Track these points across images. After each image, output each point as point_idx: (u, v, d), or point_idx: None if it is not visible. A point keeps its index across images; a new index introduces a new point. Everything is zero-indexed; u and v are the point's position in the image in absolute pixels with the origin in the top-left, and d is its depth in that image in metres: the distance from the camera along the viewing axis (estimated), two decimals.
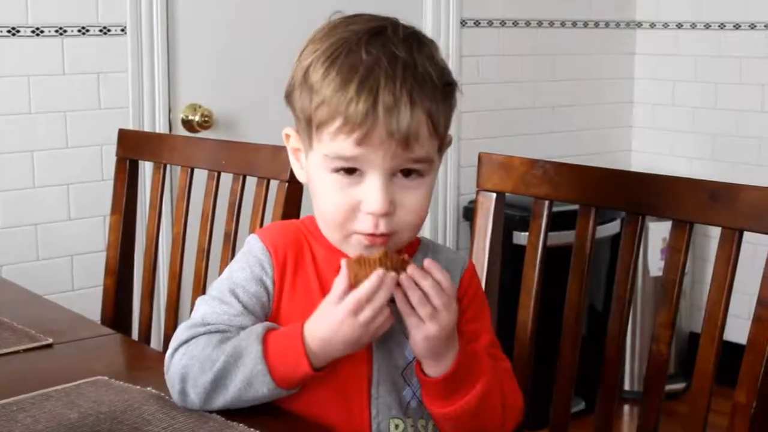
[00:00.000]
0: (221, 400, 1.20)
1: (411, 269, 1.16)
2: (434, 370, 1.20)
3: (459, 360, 1.20)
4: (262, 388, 1.18)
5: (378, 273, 1.14)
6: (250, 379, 1.18)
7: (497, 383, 1.24)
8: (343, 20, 1.23)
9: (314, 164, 1.22)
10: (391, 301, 1.17)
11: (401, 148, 1.16)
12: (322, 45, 1.20)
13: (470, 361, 1.22)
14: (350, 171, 1.18)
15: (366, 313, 1.15)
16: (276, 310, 1.27)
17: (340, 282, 1.17)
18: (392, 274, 1.15)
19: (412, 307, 1.16)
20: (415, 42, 1.20)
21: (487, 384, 1.22)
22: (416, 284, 1.16)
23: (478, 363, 1.23)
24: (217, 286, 1.28)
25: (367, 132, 1.14)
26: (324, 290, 1.24)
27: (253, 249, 1.28)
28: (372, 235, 1.19)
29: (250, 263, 1.27)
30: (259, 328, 1.21)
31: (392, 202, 1.18)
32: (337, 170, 1.19)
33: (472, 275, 1.34)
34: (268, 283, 1.26)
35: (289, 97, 1.25)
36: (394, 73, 1.15)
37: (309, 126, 1.20)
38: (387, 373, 1.25)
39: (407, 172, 1.20)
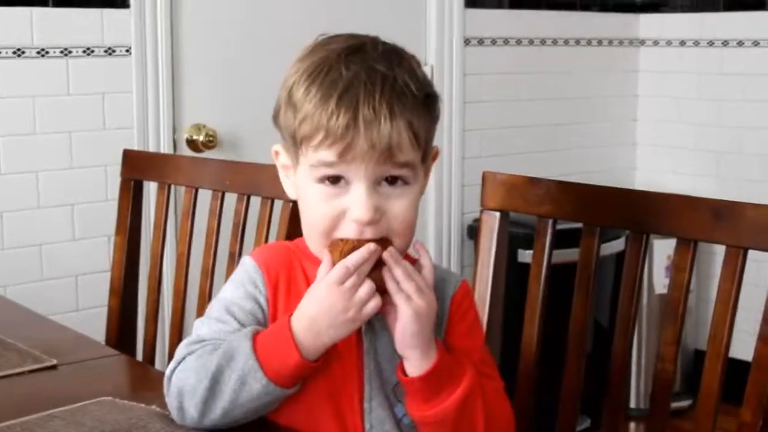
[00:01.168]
0: (219, 408, 1.20)
1: (392, 249, 1.19)
2: (415, 367, 1.21)
3: (439, 359, 1.21)
4: (256, 384, 1.18)
5: (368, 246, 1.18)
6: (244, 377, 1.18)
7: (480, 394, 1.24)
8: (324, 40, 1.27)
9: (301, 178, 1.25)
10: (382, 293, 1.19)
11: (383, 158, 1.19)
12: (304, 64, 1.24)
13: (451, 364, 1.23)
14: (335, 180, 1.21)
15: (351, 280, 1.17)
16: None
17: (324, 269, 1.19)
18: (371, 246, 1.18)
19: (398, 280, 1.19)
20: (395, 57, 1.24)
21: (468, 389, 1.23)
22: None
23: (460, 367, 1.24)
24: (212, 306, 1.30)
25: (348, 144, 1.17)
26: None
27: (247, 269, 1.30)
28: (358, 241, 1.20)
29: (243, 282, 1.29)
30: (248, 329, 1.22)
31: (378, 209, 1.20)
32: (322, 180, 1.21)
33: (465, 293, 1.35)
34: (262, 300, 1.27)
35: (276, 118, 1.28)
36: (374, 87, 1.19)
37: (294, 142, 1.23)
38: (379, 388, 1.26)
39: (392, 181, 1.22)
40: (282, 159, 1.31)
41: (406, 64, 1.24)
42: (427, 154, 1.27)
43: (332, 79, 1.19)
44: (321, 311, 1.18)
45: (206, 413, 1.20)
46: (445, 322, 1.31)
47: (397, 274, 1.19)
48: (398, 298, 1.19)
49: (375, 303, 1.19)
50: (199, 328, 1.28)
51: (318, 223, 1.23)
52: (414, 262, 1.31)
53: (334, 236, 1.22)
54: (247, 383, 1.18)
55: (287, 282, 1.28)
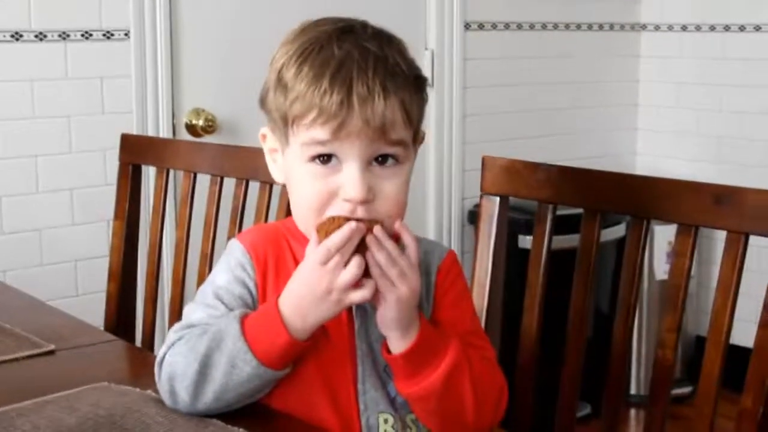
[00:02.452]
0: (210, 392, 1.20)
1: (377, 230, 1.17)
2: (399, 344, 1.21)
3: (420, 336, 1.20)
4: (246, 366, 1.18)
5: (350, 225, 1.16)
6: (233, 359, 1.18)
7: (466, 367, 1.24)
8: (312, 23, 1.27)
9: (291, 158, 1.24)
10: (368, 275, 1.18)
11: (377, 135, 1.18)
12: (293, 46, 1.24)
13: (434, 339, 1.22)
14: (327, 160, 1.20)
15: (335, 259, 1.16)
16: None
17: (311, 248, 1.18)
18: (358, 225, 1.16)
19: (382, 266, 1.17)
20: (385, 38, 1.24)
21: (453, 364, 1.22)
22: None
23: (443, 342, 1.23)
24: (201, 291, 1.30)
25: (342, 122, 1.17)
26: None
27: (234, 252, 1.30)
28: (345, 219, 1.20)
29: (231, 266, 1.28)
30: (237, 311, 1.22)
31: (371, 189, 1.20)
32: (313, 159, 1.20)
33: (452, 263, 1.35)
34: (251, 284, 1.27)
35: (263, 100, 1.28)
36: (366, 65, 1.19)
37: (285, 123, 1.23)
38: (371, 368, 1.26)
39: (383, 160, 1.21)
40: (269, 142, 1.31)
41: (396, 45, 1.25)
42: (417, 132, 1.27)
43: (324, 58, 1.19)
44: (305, 292, 1.18)
45: (198, 397, 1.20)
46: (432, 293, 1.31)
47: (379, 259, 1.17)
48: (381, 284, 1.18)
49: (362, 295, 1.17)
50: (188, 313, 1.28)
51: (309, 202, 1.22)
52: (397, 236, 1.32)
53: (324, 214, 1.21)
54: (237, 366, 1.18)
55: (276, 263, 1.28)
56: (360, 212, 1.19)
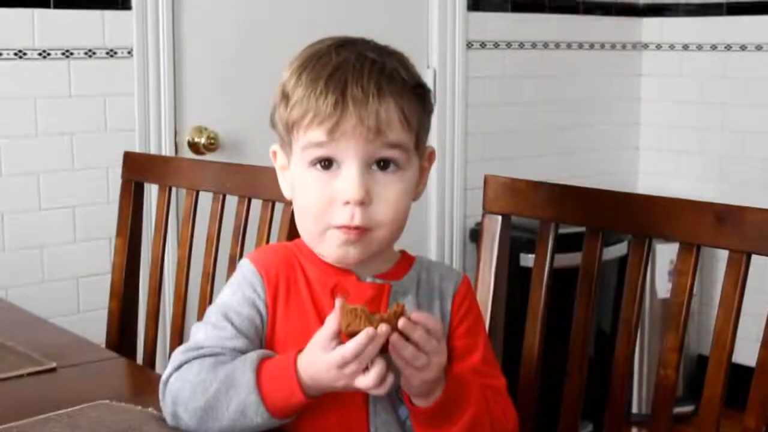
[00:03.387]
0: (216, 428, 1.19)
1: (402, 323, 1.12)
2: (422, 401, 1.20)
3: (447, 391, 1.19)
4: (256, 417, 1.17)
5: (367, 332, 1.10)
6: (244, 409, 1.17)
7: (486, 412, 1.24)
8: (315, 41, 1.28)
9: (295, 167, 1.26)
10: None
11: (373, 134, 1.19)
12: (296, 62, 1.26)
13: (458, 391, 1.21)
14: (327, 165, 1.21)
15: (352, 368, 1.12)
16: (271, 333, 1.26)
17: (330, 324, 1.14)
18: (382, 329, 1.10)
19: (407, 360, 1.14)
20: (385, 49, 1.26)
21: (475, 414, 1.22)
22: (407, 338, 1.13)
23: (467, 392, 1.22)
24: (210, 311, 1.28)
25: (337, 122, 1.18)
26: (318, 311, 1.25)
27: (244, 272, 1.29)
28: (347, 227, 1.20)
29: (242, 286, 1.27)
30: (253, 355, 1.19)
31: (368, 192, 1.20)
32: (314, 163, 1.22)
33: (467, 290, 1.34)
34: (261, 305, 1.26)
35: (272, 119, 1.29)
36: (362, 69, 1.20)
37: (288, 131, 1.24)
38: None
39: (384, 165, 1.22)
40: (279, 159, 1.32)
41: (397, 56, 1.26)
42: (420, 141, 1.26)
43: (322, 65, 1.21)
44: (324, 381, 1.14)
45: (201, 427, 1.20)
46: (447, 321, 1.31)
47: (405, 355, 1.13)
48: (407, 373, 1.15)
49: (384, 391, 1.14)
50: (196, 333, 1.27)
51: (308, 207, 1.23)
52: (411, 261, 1.32)
53: (324, 222, 1.21)
54: (248, 415, 1.17)
55: (287, 285, 1.27)
56: (358, 217, 1.19)
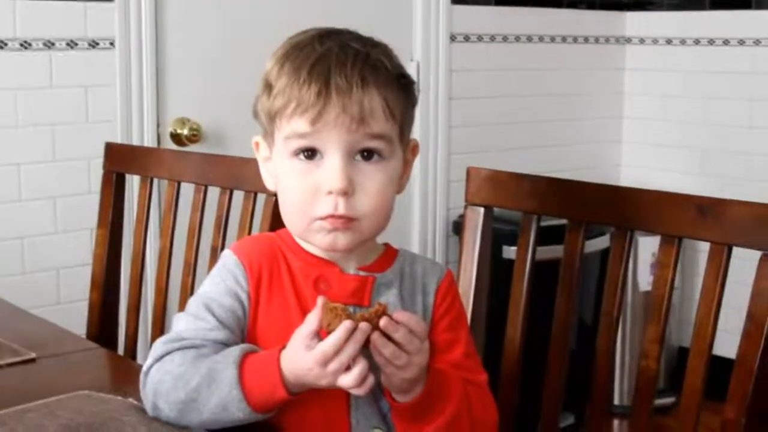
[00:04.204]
0: (196, 420, 1.19)
1: (384, 322, 1.12)
2: (403, 397, 1.20)
3: (428, 388, 1.19)
4: (238, 412, 1.17)
5: (345, 326, 1.11)
6: (225, 403, 1.16)
7: (466, 408, 1.24)
8: (299, 32, 1.28)
9: (277, 158, 1.25)
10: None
11: (356, 123, 1.18)
12: (279, 51, 1.25)
13: (439, 387, 1.21)
14: (310, 155, 1.21)
15: (333, 365, 1.12)
16: (253, 324, 1.26)
17: (311, 322, 1.14)
18: (362, 326, 1.11)
19: (388, 359, 1.14)
20: (369, 40, 1.26)
21: (456, 410, 1.22)
22: (389, 337, 1.13)
23: (448, 388, 1.23)
24: (192, 302, 1.27)
25: (320, 111, 1.18)
26: (301, 303, 1.24)
27: (227, 263, 1.28)
28: (332, 216, 1.20)
29: (224, 277, 1.26)
30: (236, 351, 1.19)
31: (351, 182, 1.20)
32: (296, 153, 1.21)
33: (450, 285, 1.34)
34: (243, 296, 1.25)
35: (255, 110, 1.29)
36: (346, 59, 1.20)
37: (270, 120, 1.24)
38: None
39: (367, 156, 1.21)
40: (262, 151, 1.31)
41: (381, 47, 1.25)
42: (404, 132, 1.26)
43: (305, 55, 1.21)
44: (306, 377, 1.14)
45: (182, 418, 1.19)
46: (430, 315, 1.31)
47: (385, 353, 1.13)
48: (386, 371, 1.16)
49: (365, 390, 1.14)
50: (177, 323, 1.26)
51: (293, 200, 1.22)
52: (394, 254, 1.31)
53: (309, 214, 1.21)
54: (229, 409, 1.16)
55: (270, 276, 1.27)
56: (341, 207, 1.19)
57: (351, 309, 1.16)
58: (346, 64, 1.19)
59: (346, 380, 1.12)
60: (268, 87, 1.23)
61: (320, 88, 1.18)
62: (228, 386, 1.16)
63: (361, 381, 1.12)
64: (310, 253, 1.27)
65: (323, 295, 1.20)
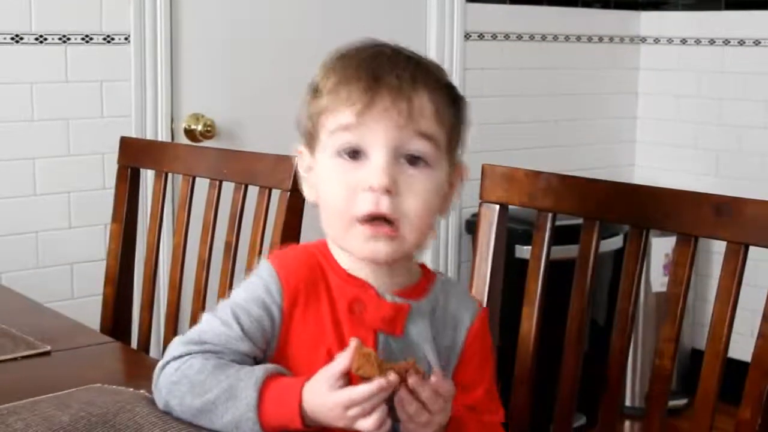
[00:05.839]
0: (207, 426, 1.18)
1: (413, 381, 1.11)
2: None
3: None
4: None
5: (380, 383, 1.09)
6: (239, 422, 1.15)
7: None
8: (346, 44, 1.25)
9: (320, 158, 1.22)
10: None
11: (404, 119, 1.15)
12: (327, 58, 1.22)
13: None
14: (354, 155, 1.17)
15: (355, 411, 1.11)
16: (284, 339, 1.23)
17: (340, 362, 1.12)
18: (392, 381, 1.10)
19: (410, 416, 1.13)
20: (420, 54, 1.22)
21: None
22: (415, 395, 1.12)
23: None
24: (222, 306, 1.25)
25: (368, 104, 1.15)
26: (335, 322, 1.22)
27: (263, 274, 1.24)
28: (373, 218, 1.16)
29: (257, 287, 1.23)
30: (261, 372, 1.17)
31: (395, 181, 1.16)
32: (340, 152, 1.18)
33: (482, 324, 1.31)
34: (274, 309, 1.22)
35: (298, 120, 1.25)
36: (398, 59, 1.18)
37: (317, 120, 1.21)
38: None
39: (413, 161, 1.18)
40: (304, 160, 1.27)
41: (432, 61, 1.23)
42: (451, 145, 1.23)
43: (356, 55, 1.19)
44: (326, 418, 1.13)
45: (193, 420, 1.19)
46: (459, 352, 1.29)
47: (409, 410, 1.12)
48: (405, 426, 1.15)
49: (385, 420, 1.12)
50: (203, 324, 1.24)
51: (333, 198, 1.19)
52: (431, 279, 1.29)
53: (350, 214, 1.17)
54: (241, 428, 1.15)
55: (307, 293, 1.23)
56: (384, 205, 1.16)
57: (381, 336, 1.18)
58: (398, 64, 1.17)
59: (366, 424, 1.11)
60: (315, 91, 1.20)
61: (369, 83, 1.15)
62: (245, 407, 1.15)
63: (379, 426, 1.11)
64: (347, 272, 1.24)
65: (357, 317, 1.20)
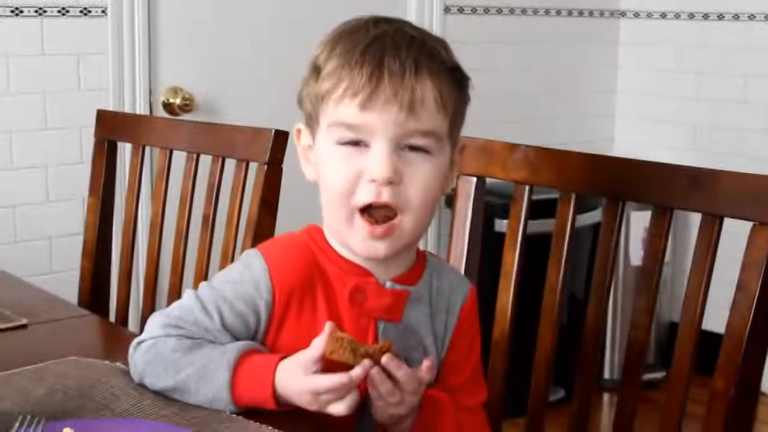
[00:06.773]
0: (181, 400, 1.19)
1: (386, 359, 1.12)
2: (392, 429, 1.20)
3: (418, 422, 1.19)
4: (225, 408, 1.17)
5: (350, 376, 1.10)
6: (213, 401, 1.16)
7: None
8: (350, 19, 1.22)
9: (321, 143, 1.20)
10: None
11: (405, 112, 1.14)
12: (329, 36, 1.20)
13: (430, 420, 1.21)
14: (355, 143, 1.16)
15: (327, 397, 1.12)
16: (274, 338, 1.23)
17: (316, 347, 1.12)
18: (365, 365, 1.11)
19: (381, 394, 1.14)
20: (425, 31, 1.21)
21: None
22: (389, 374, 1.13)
23: (440, 421, 1.22)
24: (207, 288, 1.23)
25: (371, 94, 1.13)
26: (334, 312, 1.22)
27: (254, 269, 1.22)
28: (372, 207, 1.16)
29: (245, 282, 1.21)
30: (233, 352, 1.17)
31: (397, 171, 1.15)
32: (342, 143, 1.17)
33: (472, 304, 1.32)
34: (261, 307, 1.21)
35: (300, 98, 1.24)
36: (401, 42, 1.15)
37: (317, 104, 1.19)
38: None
39: (415, 148, 1.17)
40: (303, 139, 1.26)
41: (438, 39, 1.21)
42: (454, 129, 1.22)
43: (359, 37, 1.16)
44: (298, 399, 1.14)
45: (167, 395, 1.20)
46: (450, 334, 1.30)
47: (381, 390, 1.13)
48: (376, 403, 1.16)
49: (355, 400, 1.13)
50: (184, 303, 1.23)
51: (335, 185, 1.17)
52: (423, 261, 1.29)
53: (351, 203, 1.17)
54: (215, 404, 1.17)
55: (302, 290, 1.21)
56: (386, 195, 1.15)
57: (381, 324, 1.19)
58: (401, 47, 1.14)
59: (336, 409, 1.12)
60: (316, 70, 1.19)
61: (372, 69, 1.13)
62: (219, 387, 1.16)
63: (351, 411, 1.12)
64: (346, 259, 1.23)
65: (357, 306, 1.20)
